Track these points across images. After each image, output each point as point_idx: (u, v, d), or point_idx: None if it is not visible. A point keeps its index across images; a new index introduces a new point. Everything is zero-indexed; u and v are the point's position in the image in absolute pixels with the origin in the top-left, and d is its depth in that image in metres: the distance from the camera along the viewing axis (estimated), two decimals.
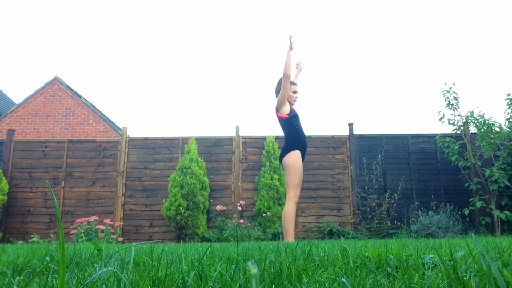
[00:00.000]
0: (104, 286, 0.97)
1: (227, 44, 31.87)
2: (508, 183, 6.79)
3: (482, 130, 6.99)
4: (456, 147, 7.16)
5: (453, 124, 7.34)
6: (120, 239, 7.03)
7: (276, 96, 4.34)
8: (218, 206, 7.33)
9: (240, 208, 7.34)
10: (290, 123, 4.16)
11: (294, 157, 4.05)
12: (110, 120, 12.83)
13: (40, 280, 1.17)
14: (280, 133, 7.87)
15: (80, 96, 12.94)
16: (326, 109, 29.79)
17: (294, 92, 4.27)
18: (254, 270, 0.46)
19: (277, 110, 4.21)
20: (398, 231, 6.94)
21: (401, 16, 30.26)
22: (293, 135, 4.15)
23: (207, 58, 33.91)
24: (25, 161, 7.74)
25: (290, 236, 3.95)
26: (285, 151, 4.12)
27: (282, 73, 4.06)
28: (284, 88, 4.06)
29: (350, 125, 7.93)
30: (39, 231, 7.37)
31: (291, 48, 4.06)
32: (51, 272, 1.35)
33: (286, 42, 4.13)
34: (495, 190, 6.80)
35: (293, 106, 4.29)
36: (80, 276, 1.09)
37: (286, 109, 4.17)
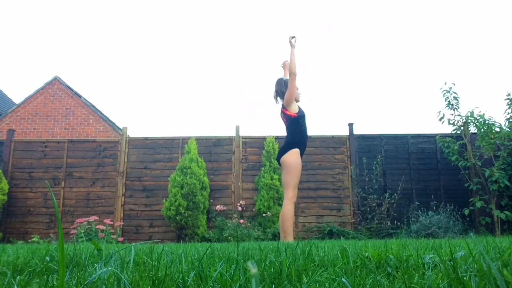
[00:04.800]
0: (104, 286, 0.97)
1: (227, 44, 31.86)
2: (508, 183, 6.79)
3: (482, 130, 6.99)
4: (456, 147, 7.16)
5: (453, 124, 7.34)
6: (120, 239, 7.03)
7: (276, 96, 4.38)
8: (218, 206, 7.33)
9: (240, 208, 7.34)
10: (298, 122, 4.13)
11: (294, 156, 4.02)
12: (110, 120, 12.83)
13: (40, 280, 1.17)
14: (280, 133, 7.91)
15: (80, 96, 12.94)
16: (326, 109, 29.78)
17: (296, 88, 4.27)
18: (254, 270, 0.46)
19: (285, 108, 4.19)
20: (398, 231, 6.94)
21: (401, 16, 30.26)
22: (297, 134, 4.13)
23: (207, 58, 33.91)
24: (25, 161, 7.74)
25: (290, 236, 3.92)
26: (285, 149, 4.10)
27: (289, 71, 4.09)
28: (291, 86, 4.07)
29: (350, 125, 7.92)
30: (39, 231, 7.37)
31: (293, 46, 4.14)
32: (51, 272, 1.35)
33: (287, 42, 4.24)
34: (495, 190, 6.80)
35: (299, 104, 4.27)
36: (80, 276, 1.09)
37: (294, 108, 4.15)
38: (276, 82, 4.40)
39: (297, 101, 4.23)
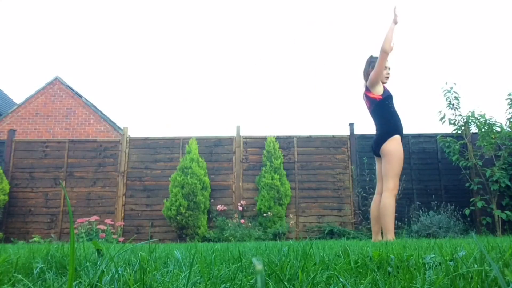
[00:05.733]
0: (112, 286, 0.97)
1: (227, 44, 31.87)
2: (509, 183, 6.78)
3: (483, 130, 6.98)
4: (457, 147, 7.15)
5: (454, 124, 7.34)
6: (121, 239, 7.04)
7: (364, 77, 3.95)
8: (219, 206, 7.33)
9: (240, 208, 7.35)
10: (384, 104, 3.75)
11: (395, 143, 3.67)
12: (110, 120, 12.84)
13: (41, 281, 1.17)
14: (281, 133, 7.92)
15: (80, 96, 12.95)
16: (326, 109, 29.78)
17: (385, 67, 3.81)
18: (259, 266, 0.46)
19: (368, 90, 3.80)
20: (399, 231, 6.94)
21: (401, 16, 30.15)
22: (391, 118, 3.74)
23: (207, 58, 33.92)
24: (26, 161, 7.75)
25: (390, 233, 3.55)
26: (383, 137, 3.73)
27: (380, 47, 3.64)
28: (379, 64, 3.64)
29: (351, 125, 7.92)
30: (40, 231, 7.38)
31: (395, 22, 3.69)
32: (52, 273, 1.35)
33: (392, 13, 3.75)
34: (496, 190, 6.80)
35: (386, 85, 3.87)
36: (86, 276, 1.09)
37: (379, 89, 3.76)
38: (366, 61, 3.96)
39: (382, 82, 3.82)
